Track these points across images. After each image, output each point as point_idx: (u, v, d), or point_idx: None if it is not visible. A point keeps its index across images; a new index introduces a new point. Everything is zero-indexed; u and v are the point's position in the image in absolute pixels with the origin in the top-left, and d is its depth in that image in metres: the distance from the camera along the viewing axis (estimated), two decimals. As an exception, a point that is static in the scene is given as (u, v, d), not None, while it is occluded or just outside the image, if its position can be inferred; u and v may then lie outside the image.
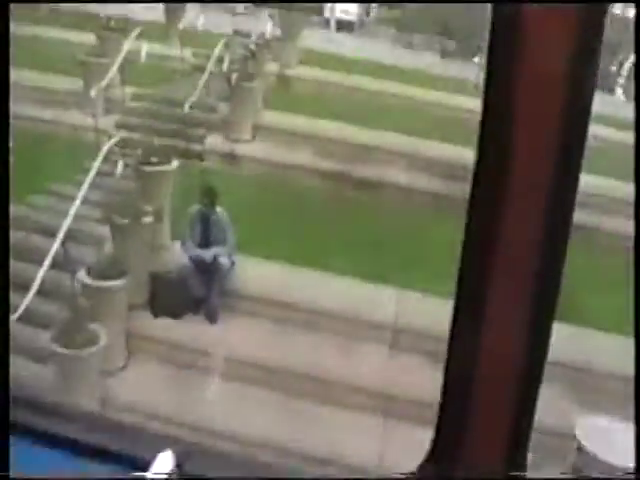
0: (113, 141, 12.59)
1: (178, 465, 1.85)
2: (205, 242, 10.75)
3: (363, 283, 10.98)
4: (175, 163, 11.95)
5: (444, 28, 20.59)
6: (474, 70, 15.47)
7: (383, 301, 10.71)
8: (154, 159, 11.81)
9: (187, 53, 17.26)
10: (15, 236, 11.77)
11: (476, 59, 17.52)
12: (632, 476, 1.72)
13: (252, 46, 16.25)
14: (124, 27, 16.69)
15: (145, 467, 1.81)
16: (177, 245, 11.14)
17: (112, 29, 16.68)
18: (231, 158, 14.38)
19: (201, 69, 16.10)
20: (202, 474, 1.97)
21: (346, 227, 12.10)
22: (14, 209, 12.38)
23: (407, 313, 10.48)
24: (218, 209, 10.80)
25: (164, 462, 1.86)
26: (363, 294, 10.78)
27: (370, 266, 11.28)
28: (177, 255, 10.98)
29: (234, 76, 14.71)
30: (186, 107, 14.98)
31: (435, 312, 9.25)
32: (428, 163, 13.46)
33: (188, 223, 10.85)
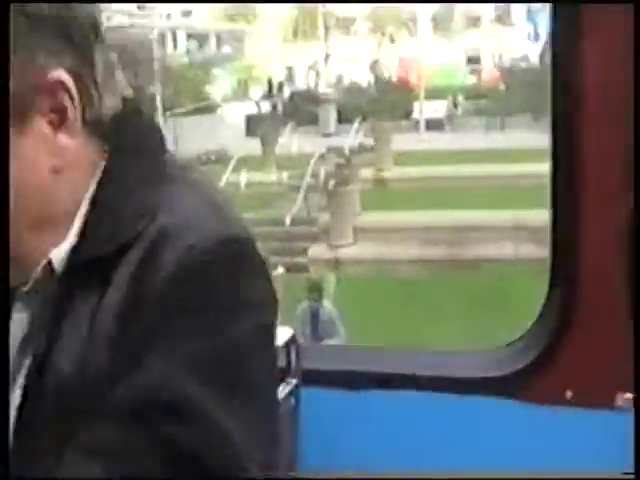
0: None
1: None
2: (315, 338, 10.59)
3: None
4: (280, 270, 12.04)
5: (534, 106, 20.44)
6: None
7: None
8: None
9: (284, 176, 17.65)
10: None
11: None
12: (632, 476, 1.58)
13: (346, 153, 16.54)
14: (223, 160, 17.34)
15: None
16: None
17: (212, 162, 17.33)
18: (335, 263, 14.37)
19: (298, 189, 16.41)
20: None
21: (459, 309, 11.78)
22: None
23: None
24: (326, 303, 10.71)
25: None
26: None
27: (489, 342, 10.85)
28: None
29: (331, 184, 14.91)
30: (287, 224, 15.18)
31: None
32: (531, 232, 13.08)
33: (297, 321, 10.75)
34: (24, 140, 0.96)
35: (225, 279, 0.92)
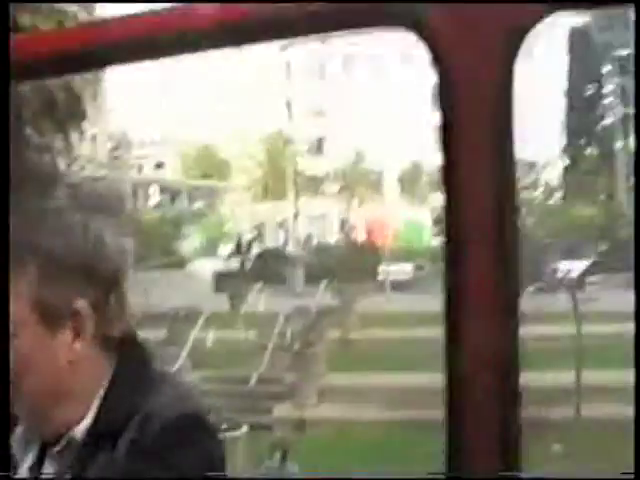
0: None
1: None
2: (278, 498, 10.59)
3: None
4: (244, 428, 12.09)
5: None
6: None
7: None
8: (223, 426, 11.98)
9: (251, 334, 17.83)
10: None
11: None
12: (632, 476, 1.78)
13: (312, 316, 16.83)
14: (192, 316, 17.56)
15: None
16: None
17: (181, 319, 17.54)
18: (299, 423, 14.41)
19: (265, 347, 16.61)
20: None
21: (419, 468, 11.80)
22: None
23: None
24: (289, 464, 10.77)
25: None
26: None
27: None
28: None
29: (297, 344, 15.14)
30: (252, 382, 15.32)
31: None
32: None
33: (261, 481, 10.77)
34: (51, 340, 1.42)
35: (186, 441, 1.40)
